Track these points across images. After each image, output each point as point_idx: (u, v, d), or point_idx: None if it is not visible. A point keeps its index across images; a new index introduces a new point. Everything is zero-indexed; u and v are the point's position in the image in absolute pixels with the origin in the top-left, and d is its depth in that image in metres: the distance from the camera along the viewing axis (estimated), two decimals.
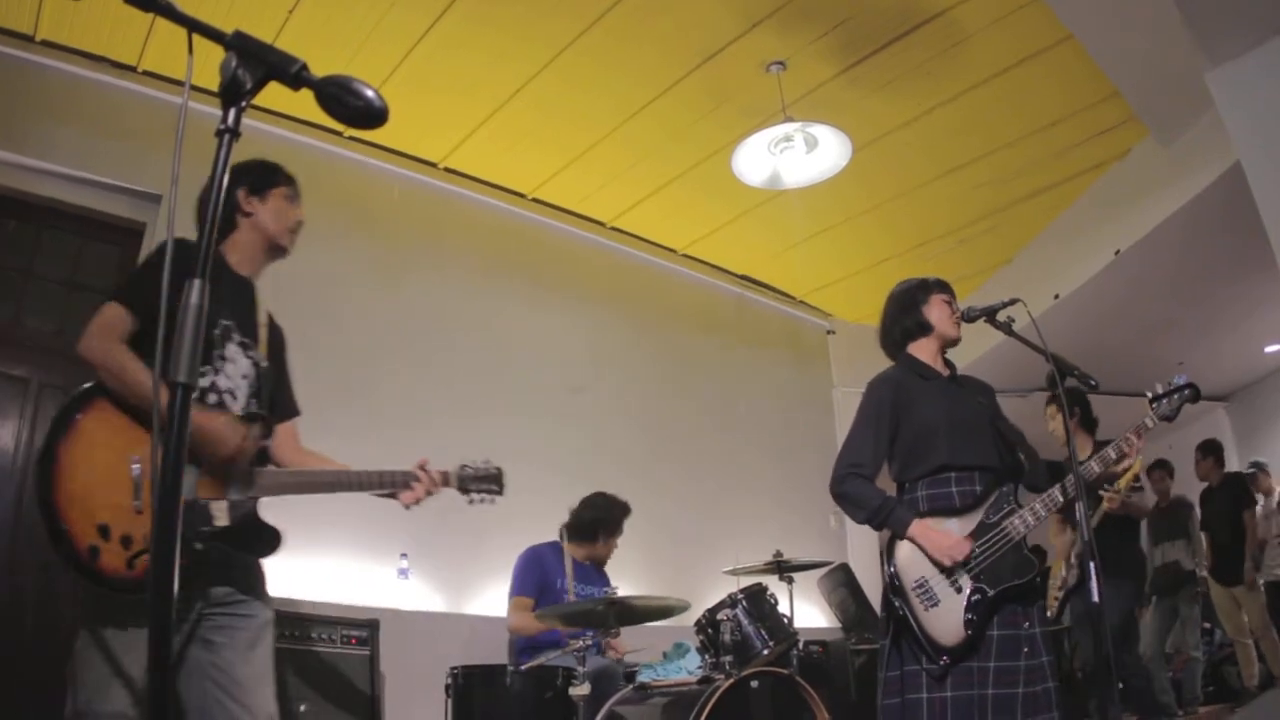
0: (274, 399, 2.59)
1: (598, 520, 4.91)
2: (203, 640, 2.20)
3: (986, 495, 3.01)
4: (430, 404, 5.54)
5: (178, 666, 2.18)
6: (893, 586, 2.95)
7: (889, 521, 2.99)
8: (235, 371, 2.39)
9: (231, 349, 2.40)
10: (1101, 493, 4.36)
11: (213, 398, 2.31)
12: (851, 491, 3.06)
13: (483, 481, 2.76)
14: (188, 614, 2.17)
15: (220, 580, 2.26)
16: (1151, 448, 3.21)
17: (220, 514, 2.20)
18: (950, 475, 3.05)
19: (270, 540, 2.34)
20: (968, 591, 2.89)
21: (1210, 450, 7.43)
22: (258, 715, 2.26)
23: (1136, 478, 4.51)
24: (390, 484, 2.56)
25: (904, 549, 2.98)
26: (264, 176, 2.58)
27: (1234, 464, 8.01)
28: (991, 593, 2.88)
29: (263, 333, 2.56)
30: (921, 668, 2.87)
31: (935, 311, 3.27)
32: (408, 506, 2.59)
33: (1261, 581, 7.05)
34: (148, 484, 2.08)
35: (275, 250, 2.61)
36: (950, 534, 2.94)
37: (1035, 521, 2.97)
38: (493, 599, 5.31)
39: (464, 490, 2.75)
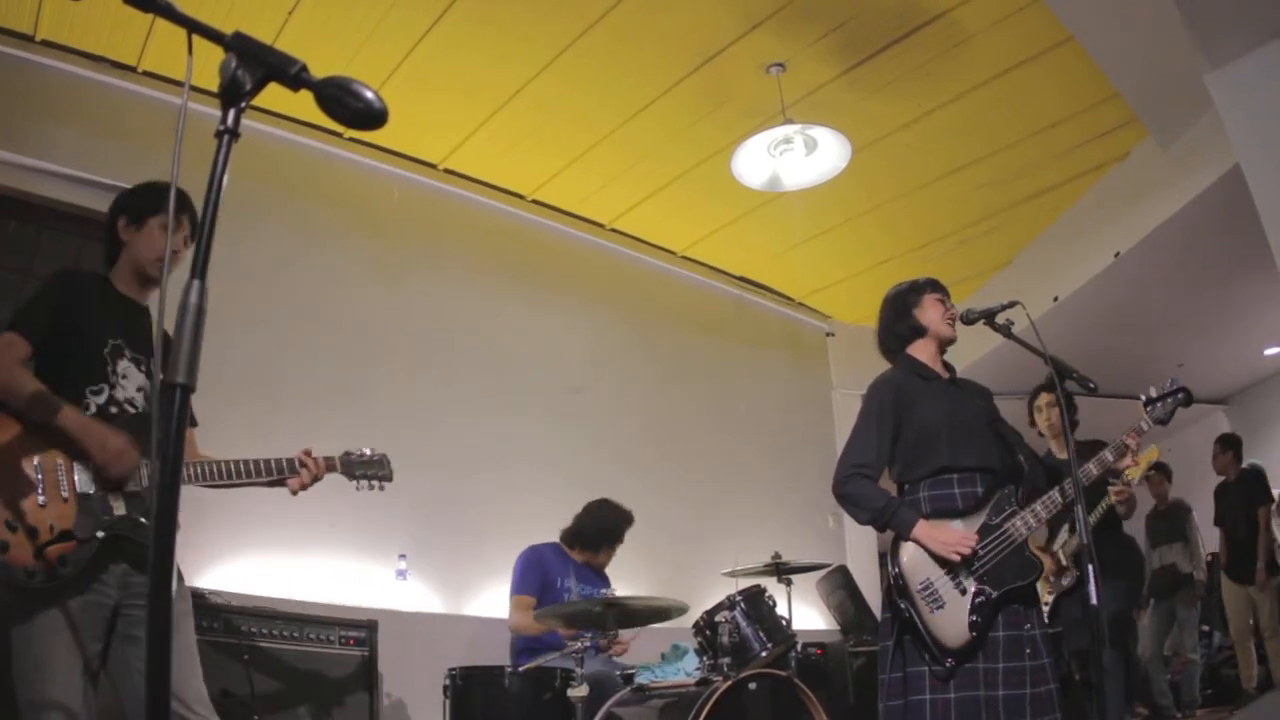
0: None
1: (604, 532, 4.92)
2: (126, 637, 2.39)
3: (988, 497, 3.02)
4: (430, 405, 5.54)
5: (105, 665, 2.38)
6: (898, 588, 2.95)
7: (893, 522, 2.99)
8: (130, 385, 2.53)
9: (123, 365, 2.55)
10: (1110, 485, 4.32)
11: (114, 409, 2.47)
12: (855, 492, 3.07)
13: (368, 467, 2.86)
14: (106, 607, 2.36)
15: (135, 567, 2.41)
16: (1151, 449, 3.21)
17: (118, 504, 2.37)
18: (952, 477, 3.05)
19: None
20: (972, 593, 2.89)
21: (1230, 444, 7.38)
22: (191, 704, 2.46)
23: (1150, 465, 4.49)
24: (276, 471, 2.65)
25: (909, 550, 2.97)
26: (142, 205, 2.71)
27: None
28: (995, 594, 2.88)
29: (158, 349, 2.64)
30: (926, 669, 2.88)
31: (928, 313, 3.28)
32: (295, 493, 2.69)
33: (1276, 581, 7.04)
34: (51, 479, 2.30)
35: (144, 279, 2.73)
36: (952, 529, 2.95)
37: (1036, 523, 2.99)
38: (491, 600, 5.31)
39: (350, 476, 2.85)
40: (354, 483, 2.86)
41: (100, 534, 2.30)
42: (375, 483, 2.90)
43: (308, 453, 2.70)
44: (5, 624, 2.25)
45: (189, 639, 2.57)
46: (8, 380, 2.35)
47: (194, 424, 2.76)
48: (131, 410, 2.49)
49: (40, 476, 2.28)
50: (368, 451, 2.88)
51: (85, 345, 2.52)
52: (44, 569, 2.20)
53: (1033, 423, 5.06)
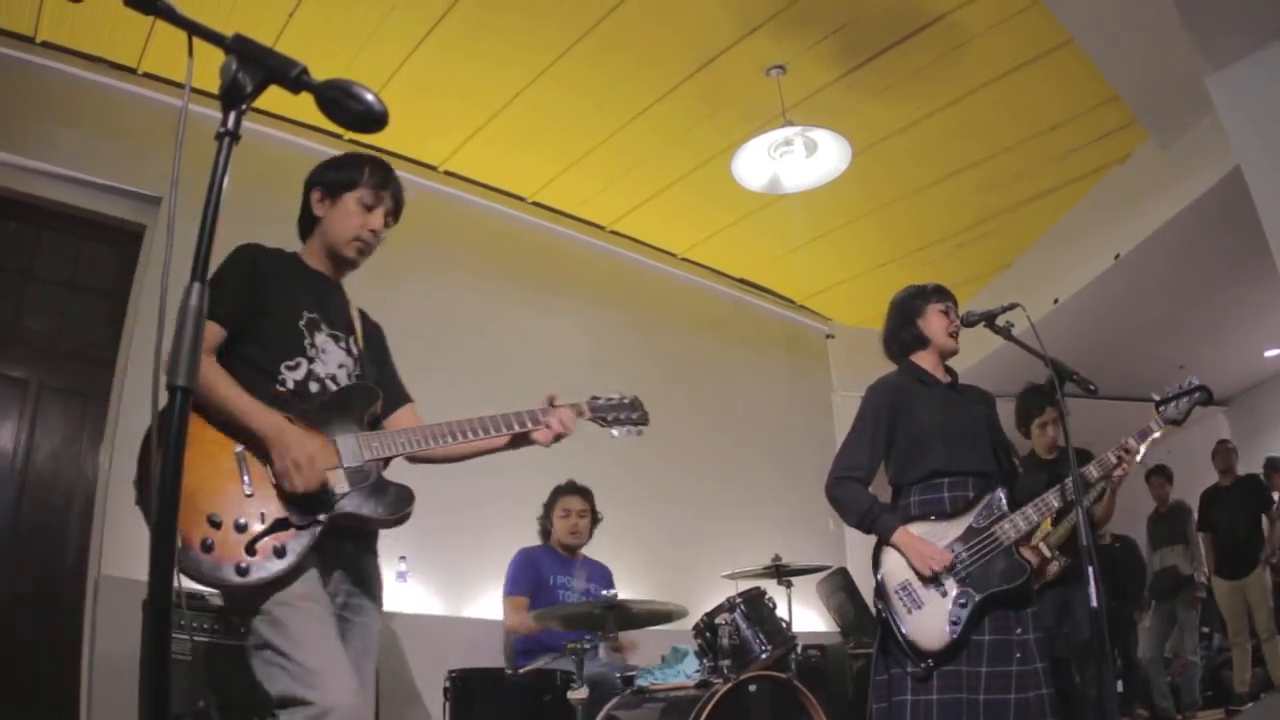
0: (382, 389, 2.49)
1: (545, 510, 5.04)
2: (349, 623, 2.20)
3: (978, 500, 3.03)
4: (431, 406, 5.48)
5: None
6: (878, 590, 2.99)
7: (875, 527, 3.03)
8: (331, 360, 2.34)
9: (321, 339, 2.34)
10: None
11: (314, 385, 2.26)
12: (843, 495, 3.12)
13: (619, 410, 2.62)
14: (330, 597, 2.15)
15: (347, 571, 2.23)
16: (1150, 452, 3.20)
17: (339, 482, 2.14)
18: (944, 480, 3.07)
19: (400, 501, 2.23)
20: (953, 595, 2.90)
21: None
22: None
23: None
24: (518, 424, 2.46)
25: (891, 553, 3.01)
26: (339, 178, 2.46)
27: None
28: (978, 597, 2.89)
29: (357, 326, 2.53)
30: (905, 671, 2.89)
31: (931, 324, 3.29)
32: (548, 445, 2.49)
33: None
34: (253, 463, 2.06)
35: (338, 260, 2.49)
36: (931, 544, 2.96)
37: (1026, 526, 2.99)
38: (491, 602, 5.30)
39: (602, 422, 2.61)
40: (610, 430, 2.61)
41: (323, 516, 2.07)
42: (632, 428, 2.64)
43: (552, 400, 2.50)
44: (245, 626, 2.01)
45: (372, 662, 2.29)
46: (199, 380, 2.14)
47: (409, 400, 2.67)
48: (334, 387, 2.29)
49: (244, 462, 2.05)
50: (615, 395, 2.63)
51: (278, 319, 2.28)
52: (259, 563, 1.96)
53: (1027, 433, 5.03)
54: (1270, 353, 8.92)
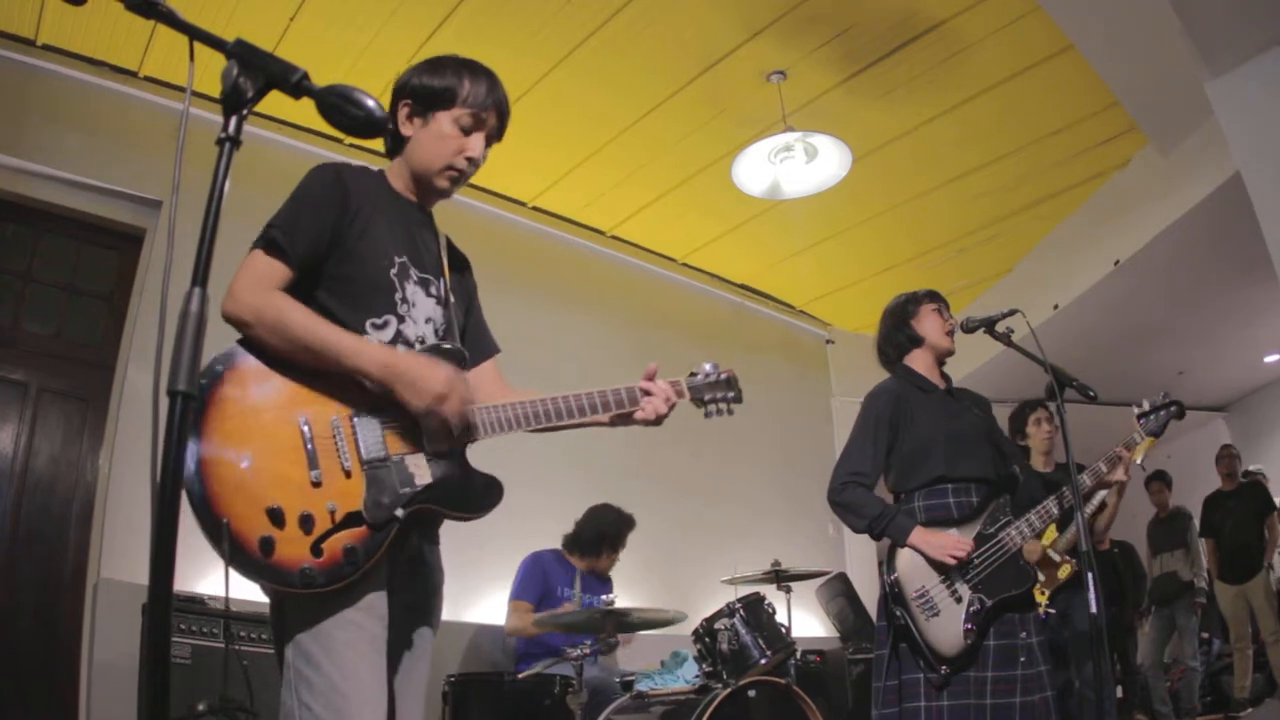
0: (466, 337, 2.22)
1: (603, 536, 4.91)
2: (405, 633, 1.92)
3: (983, 507, 3.03)
4: None
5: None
6: (893, 595, 2.96)
7: (889, 530, 3.00)
8: (419, 315, 1.99)
9: (411, 288, 1.99)
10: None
11: (402, 348, 1.91)
12: (850, 500, 3.09)
13: (717, 389, 2.29)
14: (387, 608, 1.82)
15: (412, 573, 1.97)
16: (1150, 458, 3.22)
17: (421, 470, 1.83)
18: (947, 487, 3.07)
19: (489, 491, 1.95)
20: (967, 601, 2.90)
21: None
22: None
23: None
24: (616, 404, 2.12)
25: (904, 557, 2.99)
26: (432, 92, 2.05)
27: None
28: (989, 603, 2.89)
29: (445, 264, 2.17)
30: (921, 676, 2.88)
31: (925, 324, 3.29)
32: (649, 424, 2.16)
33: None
34: (321, 439, 1.74)
35: (427, 188, 2.13)
36: (949, 534, 2.95)
37: (1031, 533, 3.00)
38: (491, 607, 5.30)
39: (699, 402, 2.28)
40: (702, 409, 2.31)
41: (400, 512, 1.76)
42: (726, 406, 2.35)
43: (652, 376, 2.16)
44: (289, 639, 1.73)
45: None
46: (273, 316, 1.74)
47: (494, 350, 2.31)
48: (419, 348, 1.95)
49: (311, 444, 1.72)
50: (709, 368, 2.29)
51: (365, 264, 1.92)
52: (323, 567, 1.66)
53: (1024, 436, 5.03)
54: (1270, 358, 8.92)
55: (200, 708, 3.48)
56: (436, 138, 2.05)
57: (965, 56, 5.10)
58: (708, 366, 2.28)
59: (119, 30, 4.72)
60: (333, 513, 1.69)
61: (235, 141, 1.30)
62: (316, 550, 1.66)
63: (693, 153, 5.92)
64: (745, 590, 4.45)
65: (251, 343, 1.78)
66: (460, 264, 2.27)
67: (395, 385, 1.77)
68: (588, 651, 3.74)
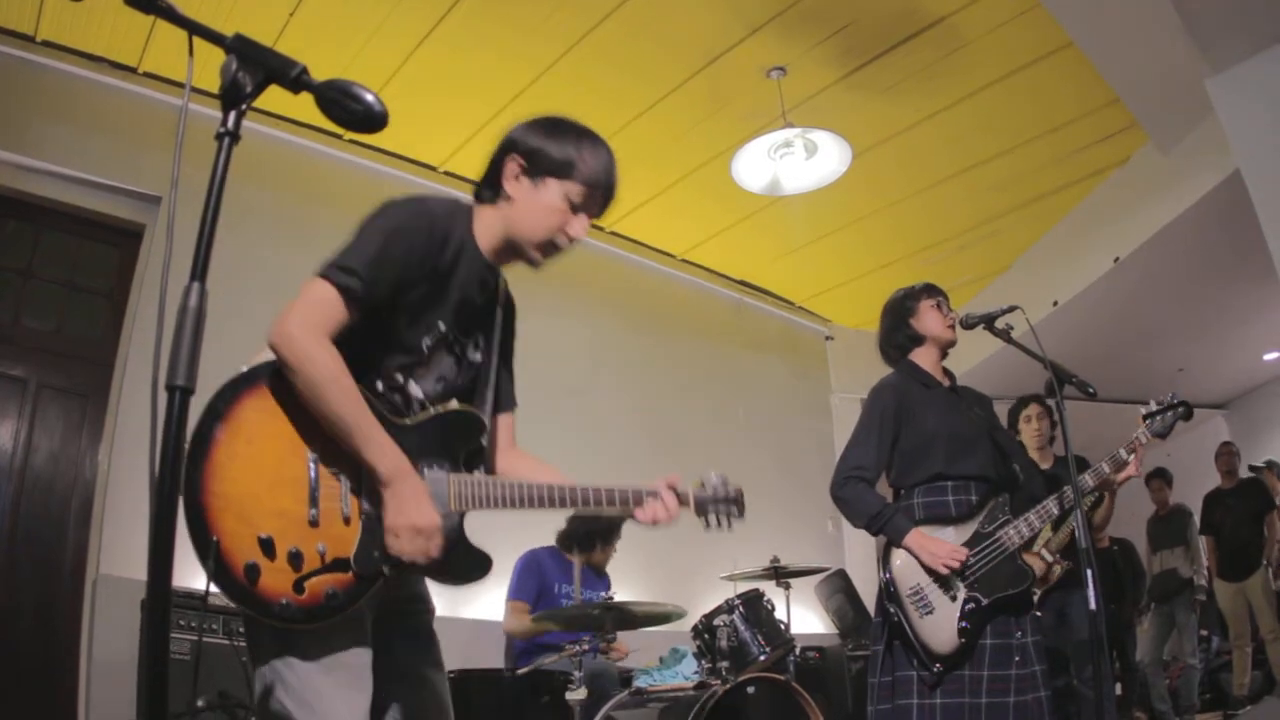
0: (496, 390, 2.16)
1: (591, 532, 4.90)
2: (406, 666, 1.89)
3: (982, 505, 3.03)
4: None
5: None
6: (888, 593, 2.97)
7: (886, 528, 3.00)
8: (432, 375, 1.94)
9: (438, 355, 1.95)
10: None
11: (397, 397, 1.87)
12: (851, 495, 3.09)
13: (721, 505, 2.18)
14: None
15: (399, 621, 1.90)
16: (1150, 455, 3.21)
17: None
18: (946, 484, 3.07)
19: (477, 565, 1.92)
20: (962, 600, 2.90)
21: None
22: None
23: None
24: (622, 502, 2.02)
25: (900, 555, 2.99)
26: (552, 159, 1.95)
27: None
28: (986, 602, 2.89)
29: (497, 322, 2.15)
30: (914, 673, 2.89)
31: (925, 319, 3.28)
32: (649, 523, 2.05)
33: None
34: (326, 479, 1.72)
35: (514, 253, 2.06)
36: (946, 541, 2.95)
37: (1030, 532, 3.00)
38: (490, 602, 5.30)
39: (700, 512, 2.18)
40: (702, 520, 2.20)
41: (387, 569, 1.74)
42: (728, 520, 2.22)
43: (672, 485, 2.04)
44: (265, 664, 1.70)
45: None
46: (316, 375, 1.67)
47: (511, 405, 2.23)
48: (418, 403, 1.90)
49: (315, 483, 1.70)
50: (716, 481, 2.16)
51: (408, 326, 1.87)
52: (303, 605, 1.64)
53: (1016, 432, 5.02)
54: (1269, 356, 8.92)
55: (200, 704, 3.48)
56: (545, 208, 1.96)
57: (965, 53, 5.10)
58: (715, 480, 2.17)
59: (118, 26, 4.71)
60: (322, 554, 1.68)
61: (234, 137, 1.30)
62: (299, 587, 1.65)
63: (692, 149, 5.92)
64: (744, 587, 4.45)
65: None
66: (510, 314, 2.24)
67: (388, 498, 1.73)
68: (586, 647, 3.74)
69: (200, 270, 1.24)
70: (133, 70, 5.05)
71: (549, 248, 2.01)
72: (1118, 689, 6.47)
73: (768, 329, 8.09)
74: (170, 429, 1.16)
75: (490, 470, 2.14)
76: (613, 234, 6.98)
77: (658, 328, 7.15)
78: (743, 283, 7.86)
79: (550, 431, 6.09)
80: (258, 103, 1.34)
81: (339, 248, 1.81)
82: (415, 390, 1.89)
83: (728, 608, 4.11)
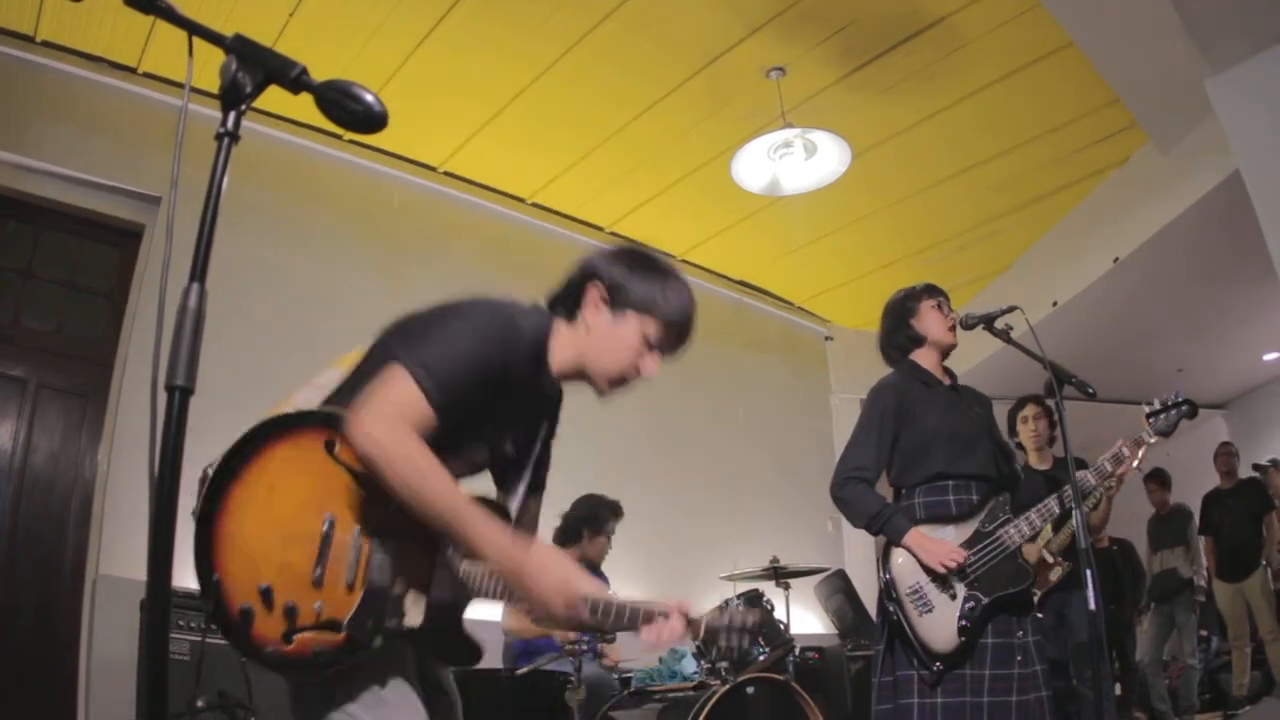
0: (530, 467, 2.11)
1: (582, 519, 4.89)
2: None
3: (983, 504, 3.03)
4: None
5: None
6: (888, 593, 2.97)
7: (885, 528, 3.00)
8: (462, 461, 1.91)
9: (476, 445, 1.95)
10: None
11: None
12: (851, 496, 3.08)
13: (732, 634, 1.97)
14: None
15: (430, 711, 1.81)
16: (1150, 456, 3.20)
17: (414, 611, 1.77)
18: (947, 483, 3.06)
19: (467, 655, 1.90)
20: (962, 599, 2.90)
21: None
22: None
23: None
24: (630, 621, 1.88)
25: (900, 555, 2.99)
26: (638, 290, 1.97)
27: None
28: (986, 601, 2.89)
29: (541, 433, 2.14)
30: (915, 673, 2.89)
31: (926, 320, 3.28)
32: (646, 646, 1.91)
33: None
34: (339, 541, 1.69)
35: (582, 378, 2.05)
36: (945, 541, 2.95)
37: (1030, 531, 2.99)
38: (488, 603, 5.29)
39: (711, 640, 2.01)
40: (710, 652, 2.11)
41: (378, 642, 1.70)
42: (735, 650, 2.15)
43: (683, 611, 1.86)
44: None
45: None
46: (412, 474, 1.64)
47: (542, 488, 2.15)
48: None
49: (327, 544, 1.67)
50: (736, 607, 1.98)
51: (461, 440, 1.86)
52: (287, 655, 1.63)
53: (1014, 433, 5.02)
54: (1269, 356, 8.92)
55: (199, 704, 3.48)
56: (622, 343, 1.97)
57: (964, 53, 5.10)
58: (736, 608, 1.97)
59: (118, 26, 4.71)
60: (318, 612, 1.65)
61: (234, 137, 1.30)
62: (288, 638, 1.63)
63: (692, 149, 5.92)
64: (744, 587, 4.46)
65: (334, 418, 1.69)
66: (558, 410, 2.21)
67: (525, 580, 1.72)
68: (585, 648, 3.74)
69: (200, 270, 1.24)
70: (132, 70, 5.05)
71: (619, 382, 2.02)
72: (1117, 689, 6.48)
73: (767, 329, 8.09)
74: (170, 429, 1.16)
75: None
76: (612, 234, 6.99)
77: None
78: (742, 283, 7.86)
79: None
80: (257, 103, 1.34)
81: (418, 333, 1.78)
82: None
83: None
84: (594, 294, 1.96)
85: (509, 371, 1.83)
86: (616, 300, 1.95)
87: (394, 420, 1.65)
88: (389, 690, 1.72)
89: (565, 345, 1.98)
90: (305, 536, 1.66)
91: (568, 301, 2.00)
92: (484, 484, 1.99)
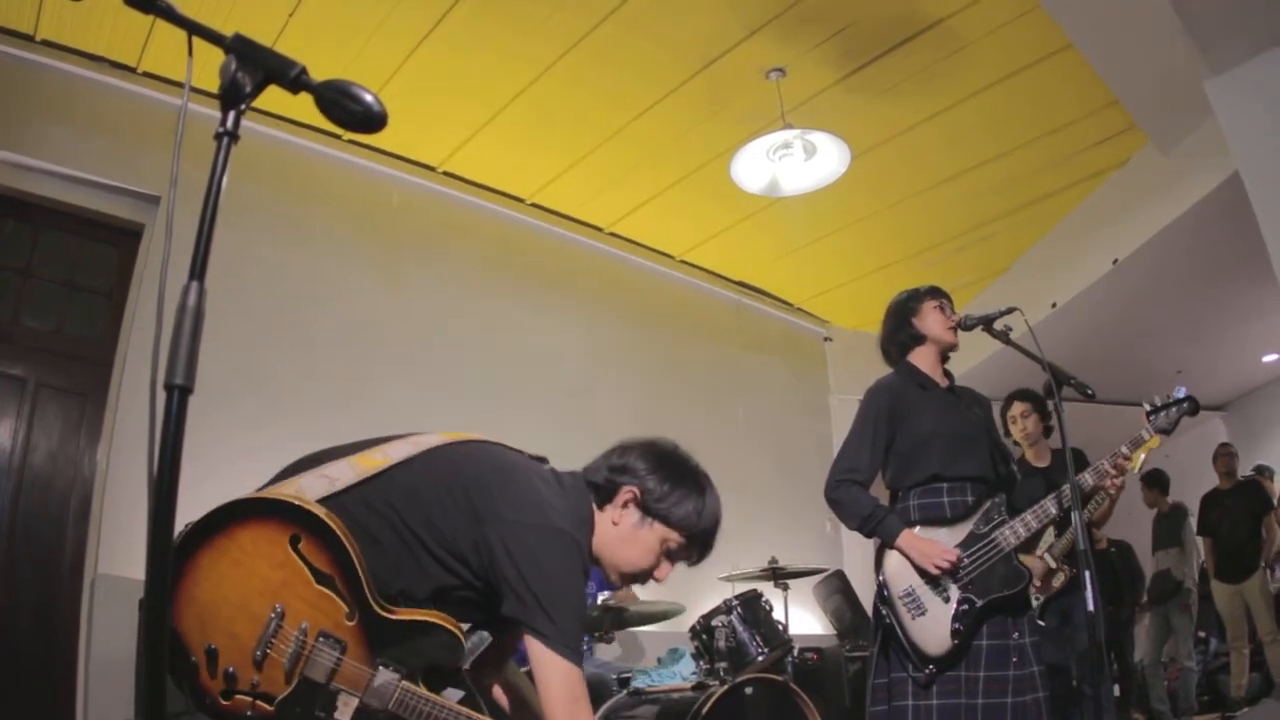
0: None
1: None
2: None
3: (978, 506, 3.03)
4: (428, 408, 5.53)
5: None
6: (881, 595, 2.98)
7: (878, 530, 3.01)
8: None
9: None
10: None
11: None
12: (844, 497, 3.09)
13: None
14: None
15: None
16: (1149, 456, 3.20)
17: (345, 710, 1.78)
18: (942, 485, 3.07)
19: None
20: (955, 601, 2.90)
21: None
22: None
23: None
24: None
25: (893, 557, 3.00)
26: (671, 504, 2.10)
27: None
28: (979, 603, 2.89)
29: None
30: (908, 675, 2.89)
31: (927, 320, 3.28)
32: None
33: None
34: (284, 639, 1.74)
35: (598, 564, 2.13)
36: (938, 542, 2.95)
37: (1026, 533, 2.99)
38: None
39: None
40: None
41: None
42: None
43: None
44: None
45: None
46: None
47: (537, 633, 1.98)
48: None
49: (273, 629, 1.73)
50: None
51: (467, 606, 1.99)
52: (224, 710, 1.71)
53: (1007, 433, 5.02)
54: (1268, 358, 8.93)
55: None
56: (644, 549, 2.06)
57: (964, 54, 5.10)
58: None
59: (118, 26, 4.71)
60: (254, 685, 1.73)
61: (233, 136, 1.30)
62: (227, 695, 1.71)
63: (691, 150, 5.92)
64: (742, 587, 4.45)
65: (307, 514, 1.78)
66: None
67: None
68: (584, 647, 3.74)
69: (199, 270, 1.24)
70: (132, 70, 5.05)
71: (632, 580, 2.10)
72: (1115, 690, 6.48)
73: (767, 330, 8.09)
74: (169, 428, 1.16)
75: (491, 675, 2.24)
76: (612, 234, 6.99)
77: (656, 328, 7.15)
78: (742, 284, 7.86)
79: (549, 432, 6.10)
80: (257, 102, 1.34)
81: (550, 610, 1.85)
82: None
83: (726, 608, 4.11)
84: (626, 495, 2.05)
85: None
86: (649, 510, 2.05)
87: (579, 706, 1.83)
88: None
89: (599, 534, 2.07)
90: (254, 619, 1.73)
91: (603, 492, 2.09)
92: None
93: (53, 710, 4.14)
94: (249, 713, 1.72)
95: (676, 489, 2.08)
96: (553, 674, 1.81)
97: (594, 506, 2.07)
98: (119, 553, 4.23)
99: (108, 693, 3.97)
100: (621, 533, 2.04)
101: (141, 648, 1.18)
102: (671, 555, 2.09)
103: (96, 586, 4.18)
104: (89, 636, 4.14)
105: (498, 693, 2.24)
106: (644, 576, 2.08)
